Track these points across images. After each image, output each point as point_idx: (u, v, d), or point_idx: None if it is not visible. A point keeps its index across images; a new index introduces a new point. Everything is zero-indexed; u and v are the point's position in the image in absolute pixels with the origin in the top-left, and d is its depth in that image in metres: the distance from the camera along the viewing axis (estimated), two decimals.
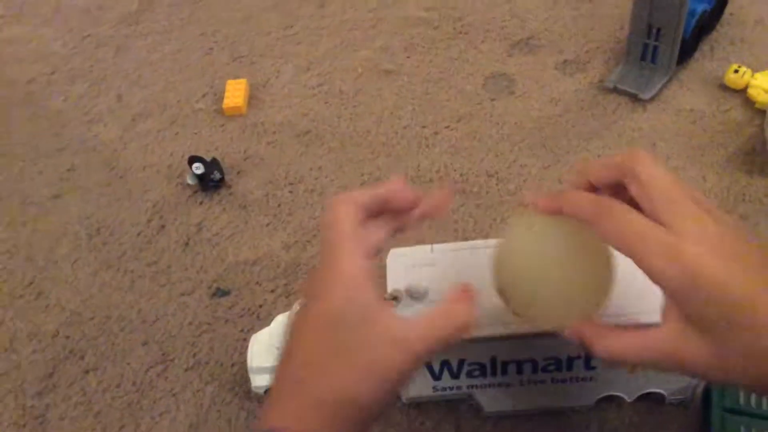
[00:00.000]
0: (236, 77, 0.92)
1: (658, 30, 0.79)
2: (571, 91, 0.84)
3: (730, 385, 0.54)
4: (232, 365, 0.64)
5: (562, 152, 0.77)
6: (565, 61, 0.88)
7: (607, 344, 0.40)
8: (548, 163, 0.76)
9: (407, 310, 0.51)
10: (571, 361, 0.52)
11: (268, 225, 0.75)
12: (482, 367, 0.53)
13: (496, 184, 0.75)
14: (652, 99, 0.81)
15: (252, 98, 0.90)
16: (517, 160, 0.77)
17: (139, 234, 0.76)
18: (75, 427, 0.61)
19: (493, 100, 0.84)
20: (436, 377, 0.54)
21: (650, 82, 0.82)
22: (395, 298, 0.52)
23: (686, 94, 0.81)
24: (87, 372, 0.65)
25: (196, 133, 0.86)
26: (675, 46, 0.80)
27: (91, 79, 0.96)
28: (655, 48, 0.81)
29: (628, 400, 0.56)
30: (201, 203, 0.78)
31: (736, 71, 0.80)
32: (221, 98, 0.89)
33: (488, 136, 0.80)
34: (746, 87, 0.79)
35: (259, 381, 0.59)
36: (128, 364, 0.65)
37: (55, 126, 0.90)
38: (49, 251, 0.75)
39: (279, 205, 0.76)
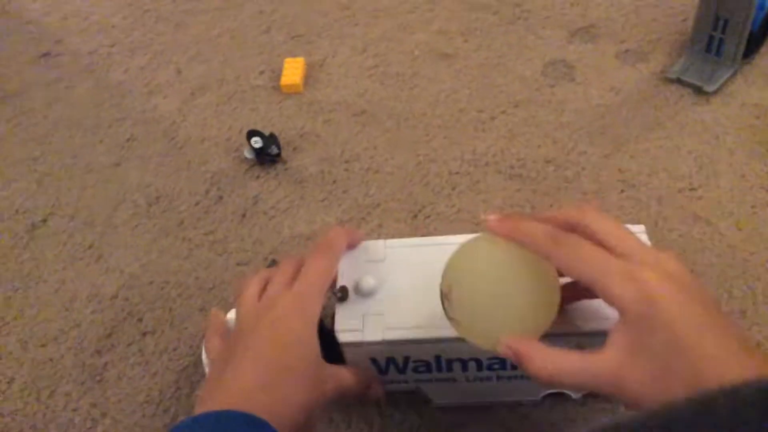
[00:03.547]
0: (294, 56, 0.92)
1: (726, 22, 0.78)
2: (632, 80, 0.83)
3: None
4: None
5: (622, 141, 0.76)
6: (627, 50, 0.87)
7: (543, 363, 0.39)
8: (608, 151, 0.75)
9: (354, 308, 0.50)
10: None
11: (323, 201, 0.75)
12: (427, 365, 0.52)
13: (554, 171, 0.74)
14: (715, 92, 0.79)
15: (309, 77, 0.90)
16: (576, 147, 0.76)
17: (197, 204, 0.77)
18: (132, 386, 0.63)
19: (552, 86, 0.84)
20: (383, 372, 0.53)
21: (714, 74, 0.80)
22: (343, 295, 0.51)
23: (751, 89, 0.80)
24: (144, 334, 0.66)
25: (253, 109, 0.87)
26: (742, 39, 0.78)
27: (151, 52, 0.98)
28: (721, 40, 0.79)
29: (574, 397, 0.56)
30: (258, 177, 0.79)
31: None
32: (279, 76, 0.89)
33: (546, 122, 0.80)
34: None
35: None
36: (185, 328, 0.66)
37: (115, 96, 0.92)
38: (108, 217, 0.77)
39: (334, 182, 0.77)
